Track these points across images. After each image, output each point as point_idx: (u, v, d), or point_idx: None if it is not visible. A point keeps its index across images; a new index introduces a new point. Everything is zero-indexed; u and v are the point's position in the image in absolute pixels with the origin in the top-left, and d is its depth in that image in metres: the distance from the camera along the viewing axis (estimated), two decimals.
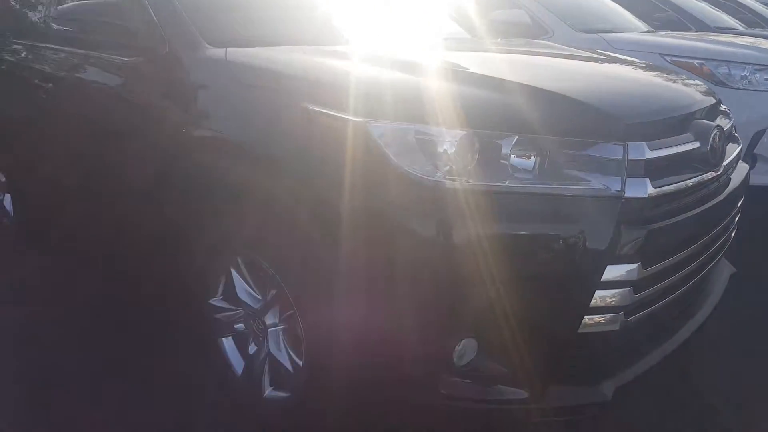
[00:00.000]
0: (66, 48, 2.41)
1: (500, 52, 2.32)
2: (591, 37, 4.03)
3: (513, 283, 1.33)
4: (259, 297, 1.73)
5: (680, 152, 1.57)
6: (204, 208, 1.76)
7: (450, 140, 1.37)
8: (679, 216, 1.51)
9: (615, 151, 1.42)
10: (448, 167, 1.36)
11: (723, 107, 1.97)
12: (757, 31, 5.96)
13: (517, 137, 1.38)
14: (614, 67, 2.19)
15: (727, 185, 1.78)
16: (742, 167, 2.01)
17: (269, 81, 1.67)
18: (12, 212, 3.18)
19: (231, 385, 1.81)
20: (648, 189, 1.43)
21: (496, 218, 1.34)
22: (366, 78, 1.59)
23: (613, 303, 1.41)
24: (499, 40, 2.75)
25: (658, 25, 5.46)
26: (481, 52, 2.35)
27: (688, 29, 5.58)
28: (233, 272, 1.76)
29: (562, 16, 4.25)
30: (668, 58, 3.65)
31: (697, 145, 1.61)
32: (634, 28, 4.97)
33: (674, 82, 1.99)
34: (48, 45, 2.54)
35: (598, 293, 1.40)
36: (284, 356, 1.66)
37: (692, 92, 1.85)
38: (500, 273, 1.32)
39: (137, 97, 2.02)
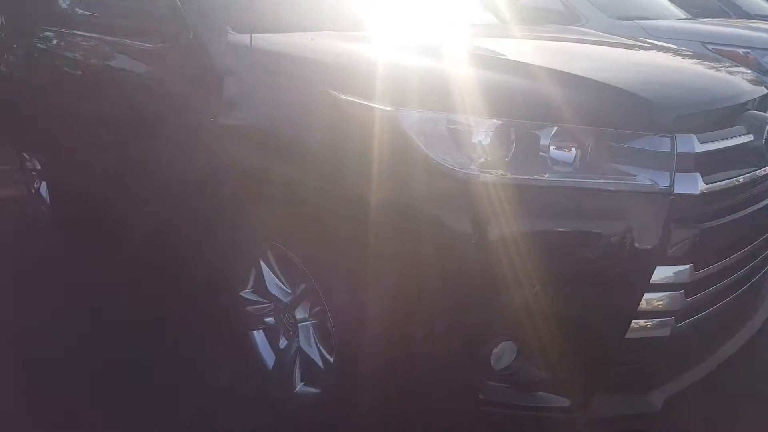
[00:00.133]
0: (93, 34, 2.40)
1: (535, 39, 2.21)
2: (627, 25, 3.88)
3: (554, 284, 1.25)
4: (289, 291, 1.68)
5: (732, 146, 1.46)
6: (232, 197, 1.72)
7: (485, 130, 1.29)
8: (733, 214, 1.41)
9: (663, 144, 1.33)
10: (482, 159, 1.29)
11: None
12: None
13: (556, 127, 1.30)
14: (658, 55, 2.07)
15: None
16: None
17: (294, 68, 1.62)
18: (48, 199, 3.19)
19: (262, 378, 1.77)
20: (699, 185, 1.34)
21: (534, 214, 1.27)
22: (395, 65, 1.51)
23: (663, 307, 1.33)
24: (532, 26, 2.64)
25: (697, 12, 5.26)
26: (514, 38, 2.25)
27: (728, 16, 5.36)
28: (263, 265, 1.71)
29: (597, 3, 4.10)
30: (710, 47, 3.49)
31: (750, 138, 1.50)
32: (672, 15, 4.79)
33: (722, 71, 1.87)
34: (76, 31, 2.53)
35: (647, 296, 1.31)
36: (315, 352, 1.62)
37: (742, 82, 1.73)
38: (540, 273, 1.24)
39: (163, 84, 1.99)
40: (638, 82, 1.51)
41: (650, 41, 2.47)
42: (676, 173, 1.32)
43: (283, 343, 1.72)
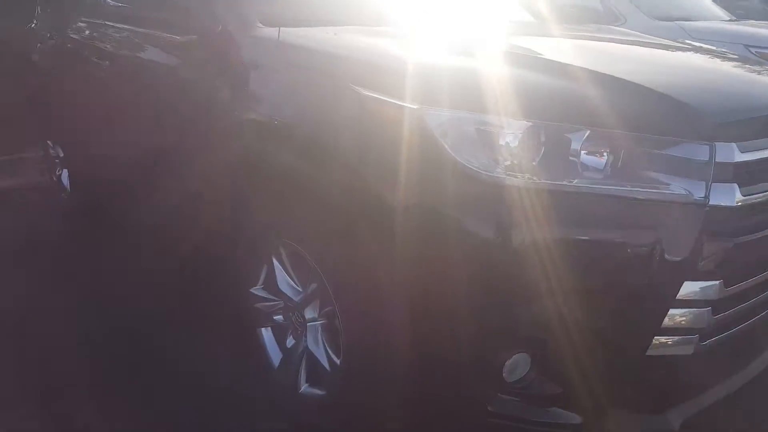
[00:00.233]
0: (123, 25, 2.41)
1: (571, 38, 2.14)
2: (667, 25, 3.77)
3: (575, 295, 1.20)
4: (300, 289, 1.66)
5: None
6: (250, 191, 1.70)
7: (513, 132, 1.25)
8: None
9: (700, 152, 1.27)
10: (509, 162, 1.24)
11: None
12: None
13: (588, 131, 1.25)
14: (699, 58, 1.99)
15: None
16: None
17: (319, 62, 1.59)
18: (69, 187, 3.25)
19: (267, 376, 1.75)
20: (736, 196, 1.27)
21: (561, 221, 1.21)
22: (422, 62, 1.47)
23: (687, 324, 1.27)
24: (567, 25, 2.56)
25: (741, 14, 5.07)
26: (549, 36, 2.18)
27: None
28: (275, 262, 1.69)
29: (636, 2, 3.98)
30: (754, 50, 3.35)
31: None
32: (714, 16, 4.64)
33: (766, 75, 1.78)
34: (107, 22, 2.55)
35: (672, 312, 1.25)
36: (322, 353, 1.60)
37: None
38: (562, 282, 1.19)
39: (189, 76, 1.99)
40: (677, 85, 1.45)
41: (691, 43, 2.37)
42: (713, 183, 1.26)
43: (290, 342, 1.70)
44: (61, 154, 3.29)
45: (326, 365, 1.59)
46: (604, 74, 1.42)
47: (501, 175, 1.23)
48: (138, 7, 2.41)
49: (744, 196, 1.28)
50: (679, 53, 2.01)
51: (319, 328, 1.62)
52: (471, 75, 1.39)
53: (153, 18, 2.21)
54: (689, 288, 1.25)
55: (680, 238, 1.23)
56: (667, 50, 2.01)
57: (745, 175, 1.31)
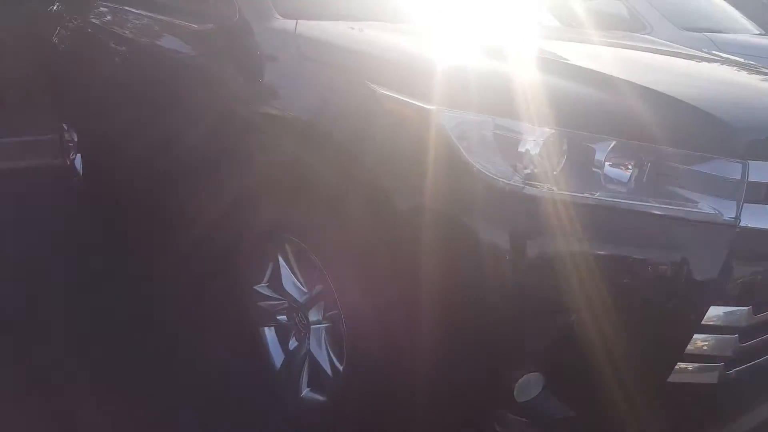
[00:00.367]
0: (142, 11, 2.39)
1: (597, 44, 2.07)
2: (695, 36, 3.67)
3: (593, 314, 1.14)
4: (305, 290, 1.61)
5: None
6: (259, 185, 1.66)
7: (534, 138, 1.19)
8: None
9: (732, 170, 1.20)
10: (528, 170, 1.18)
11: None
12: None
13: (614, 142, 1.18)
14: (732, 71, 1.91)
15: None
16: None
17: (336, 58, 1.54)
18: (81, 171, 3.23)
19: (269, 377, 1.70)
20: None
21: (580, 235, 1.15)
22: (441, 61, 1.41)
23: (713, 350, 1.20)
24: (594, 31, 2.48)
25: None
26: (574, 41, 2.11)
27: None
28: (281, 260, 1.65)
29: (664, 11, 3.88)
30: None
31: None
32: (744, 29, 4.52)
33: None
34: (127, 7, 2.53)
35: (697, 337, 1.19)
36: (324, 358, 1.54)
37: None
38: (579, 300, 1.13)
39: (205, 65, 1.95)
40: (709, 99, 1.38)
41: (721, 55, 2.28)
42: (744, 203, 1.19)
43: (293, 344, 1.65)
44: (75, 139, 3.28)
45: (328, 371, 1.53)
46: (632, 83, 1.35)
47: (519, 184, 1.17)
48: None
49: None
50: (710, 65, 1.93)
51: (323, 331, 1.57)
52: (491, 77, 1.34)
53: (172, 5, 2.19)
54: (716, 313, 1.18)
55: (707, 260, 1.17)
56: (698, 61, 1.93)
57: None
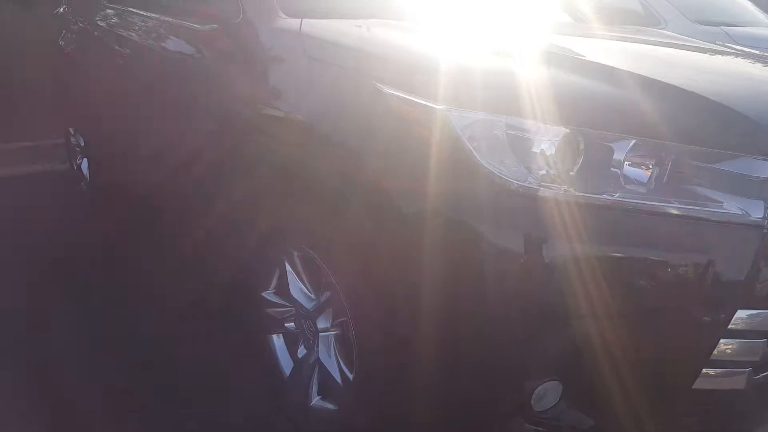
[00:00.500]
0: (148, 13, 2.37)
1: (612, 39, 2.01)
2: (711, 30, 3.59)
3: (615, 320, 1.09)
4: (313, 297, 1.57)
5: None
6: (265, 190, 1.62)
7: (549, 138, 1.14)
8: None
9: (760, 168, 1.15)
10: (543, 171, 1.13)
11: None
12: None
13: (634, 141, 1.13)
14: (754, 66, 1.84)
15: None
16: None
17: (342, 57, 1.50)
18: (88, 176, 3.22)
19: (278, 386, 1.67)
20: None
21: (599, 238, 1.10)
22: (450, 60, 1.36)
23: (740, 355, 1.15)
24: (608, 26, 2.42)
25: None
26: (588, 37, 2.05)
27: None
28: (288, 266, 1.61)
29: (678, 5, 3.81)
30: None
31: None
32: (759, 22, 4.43)
33: None
34: (131, 9, 2.51)
35: (723, 342, 1.13)
36: (334, 366, 1.50)
37: None
38: (599, 305, 1.08)
39: (209, 67, 1.92)
40: (732, 94, 1.32)
41: (741, 48, 2.21)
42: None
43: (302, 351, 1.61)
44: (82, 143, 3.27)
45: (338, 379, 1.49)
46: (650, 79, 1.30)
47: (533, 185, 1.12)
48: None
49: None
50: (730, 59, 1.87)
51: (332, 339, 1.53)
52: (503, 75, 1.29)
53: (176, 7, 2.17)
54: (743, 316, 1.13)
55: (734, 262, 1.12)
56: (717, 55, 1.88)
57: None
